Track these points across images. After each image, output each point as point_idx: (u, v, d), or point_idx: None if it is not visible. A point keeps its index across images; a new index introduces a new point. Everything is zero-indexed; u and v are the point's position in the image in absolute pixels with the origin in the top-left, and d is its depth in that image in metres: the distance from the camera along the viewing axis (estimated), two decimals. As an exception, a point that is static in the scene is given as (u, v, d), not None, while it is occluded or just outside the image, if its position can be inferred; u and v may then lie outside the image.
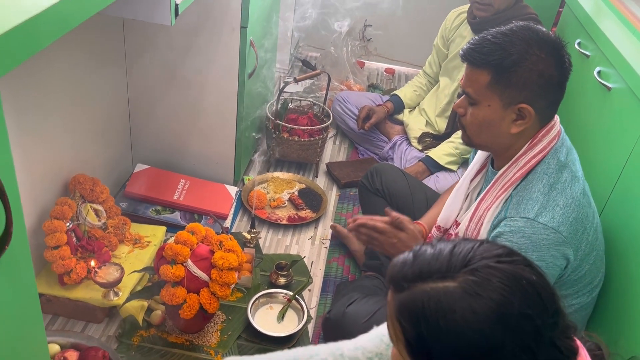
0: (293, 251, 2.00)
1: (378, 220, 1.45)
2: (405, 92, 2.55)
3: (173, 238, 1.51)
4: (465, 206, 1.42)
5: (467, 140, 1.32)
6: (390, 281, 0.75)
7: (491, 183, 1.30)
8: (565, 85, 1.25)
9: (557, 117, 1.29)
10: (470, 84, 1.24)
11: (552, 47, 1.19)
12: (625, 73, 1.54)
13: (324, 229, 2.12)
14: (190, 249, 1.48)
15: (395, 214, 1.43)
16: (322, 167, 2.45)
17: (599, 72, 1.73)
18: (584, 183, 1.26)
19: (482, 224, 1.30)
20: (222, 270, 1.47)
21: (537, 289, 0.69)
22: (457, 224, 1.42)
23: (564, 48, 1.21)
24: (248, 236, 1.94)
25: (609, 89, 1.65)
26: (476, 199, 1.37)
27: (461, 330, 0.67)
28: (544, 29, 1.23)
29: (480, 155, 1.42)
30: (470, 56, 1.22)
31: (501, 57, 1.18)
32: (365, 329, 1.42)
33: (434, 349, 0.69)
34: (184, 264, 1.47)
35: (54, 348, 1.42)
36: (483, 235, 1.30)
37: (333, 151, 2.60)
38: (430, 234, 1.53)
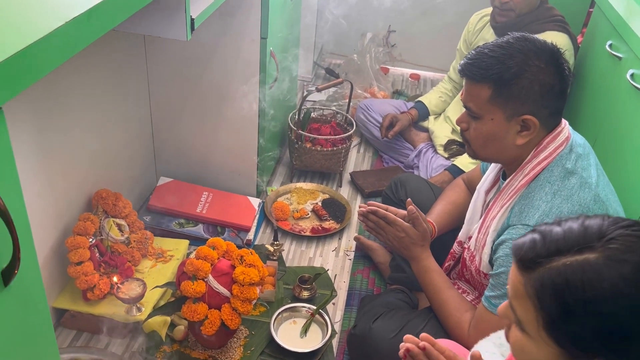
0: (317, 263, 1.97)
1: (391, 211, 1.44)
2: (430, 99, 2.50)
3: (194, 253, 1.50)
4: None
5: (473, 154, 1.33)
6: (519, 262, 0.75)
7: (498, 192, 1.29)
8: (567, 93, 1.24)
9: (565, 123, 1.28)
10: (471, 98, 1.24)
11: (550, 56, 1.19)
12: (660, 75, 1.48)
13: (348, 240, 2.09)
14: (211, 264, 1.47)
15: (414, 207, 1.43)
16: (346, 177, 2.42)
17: (632, 75, 1.66)
18: (602, 189, 1.23)
19: (488, 234, 1.30)
20: (243, 285, 1.45)
21: None
22: (470, 238, 1.41)
23: (562, 56, 1.21)
24: (271, 249, 1.92)
25: (642, 92, 1.58)
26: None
27: (610, 297, 0.67)
28: (539, 39, 1.23)
29: (494, 166, 1.40)
30: (469, 71, 1.23)
31: (501, 71, 1.18)
32: (393, 344, 1.40)
33: (582, 322, 0.69)
34: (205, 280, 1.45)
35: (77, 365, 1.42)
36: (488, 244, 1.29)
37: (357, 160, 2.57)
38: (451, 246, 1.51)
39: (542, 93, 1.19)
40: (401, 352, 0.90)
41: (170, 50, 1.89)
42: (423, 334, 0.91)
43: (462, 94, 1.28)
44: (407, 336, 0.91)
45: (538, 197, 1.22)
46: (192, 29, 1.24)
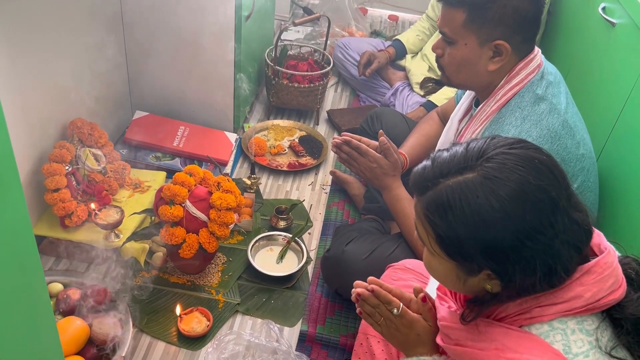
0: (293, 197, 2.01)
1: (364, 142, 1.48)
2: (407, 37, 2.50)
3: (172, 180, 1.52)
4: None
5: (447, 81, 1.36)
6: (413, 186, 0.81)
7: (471, 119, 1.32)
8: (540, 19, 1.27)
9: (538, 51, 1.30)
10: (446, 23, 1.27)
11: None
12: (630, 8, 1.50)
13: (324, 175, 2.12)
14: (189, 190, 1.49)
15: (385, 138, 1.46)
16: (323, 115, 2.43)
17: (603, 9, 1.68)
18: (570, 116, 1.26)
19: None
20: (220, 210, 1.48)
21: (549, 166, 0.75)
22: None
23: None
24: (248, 182, 1.95)
25: (613, 24, 1.61)
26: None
27: (486, 212, 0.72)
28: None
29: (468, 95, 1.43)
30: None
31: None
32: (365, 265, 1.45)
33: (463, 236, 0.74)
34: (183, 205, 1.48)
35: (57, 287, 1.45)
36: None
37: (334, 99, 2.58)
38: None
39: (514, 18, 1.21)
40: (353, 297, 0.96)
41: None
42: (370, 278, 0.98)
43: (438, 20, 1.30)
44: (357, 282, 0.97)
45: (508, 122, 1.25)
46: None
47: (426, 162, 0.81)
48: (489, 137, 0.80)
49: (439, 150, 0.82)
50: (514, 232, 0.72)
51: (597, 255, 0.78)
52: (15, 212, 0.74)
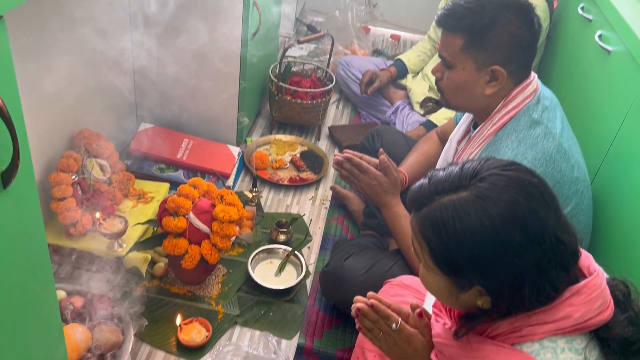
0: (294, 211, 2.04)
1: (364, 160, 1.51)
2: (409, 57, 2.55)
3: (176, 192, 1.55)
4: None
5: (446, 103, 1.41)
6: (410, 203, 0.85)
7: (469, 140, 1.35)
8: (536, 46, 1.31)
9: (534, 76, 1.34)
10: (445, 48, 1.31)
11: (520, 9, 1.26)
12: (625, 36, 1.55)
13: (325, 190, 2.16)
14: (192, 202, 1.52)
15: (385, 156, 1.49)
16: (325, 131, 2.48)
17: (600, 36, 1.73)
18: (565, 140, 1.30)
19: None
20: (222, 222, 1.51)
21: (539, 189, 0.79)
22: None
23: (532, 10, 1.27)
24: (250, 195, 1.98)
25: (609, 52, 1.65)
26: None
27: (477, 229, 0.76)
28: None
29: (467, 117, 1.47)
30: (445, 21, 1.29)
31: (473, 21, 1.25)
32: (363, 281, 1.48)
33: (455, 252, 0.78)
34: (186, 216, 1.51)
35: (61, 294, 1.48)
36: None
37: (336, 115, 2.62)
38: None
39: (511, 45, 1.25)
40: (353, 311, 1.00)
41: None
42: (370, 293, 1.01)
43: (438, 44, 1.35)
44: (357, 297, 1.01)
45: (505, 144, 1.29)
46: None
47: (423, 180, 0.85)
48: (483, 158, 0.84)
49: (436, 169, 0.86)
50: (503, 249, 0.76)
51: (587, 277, 0.81)
52: (32, 223, 0.78)
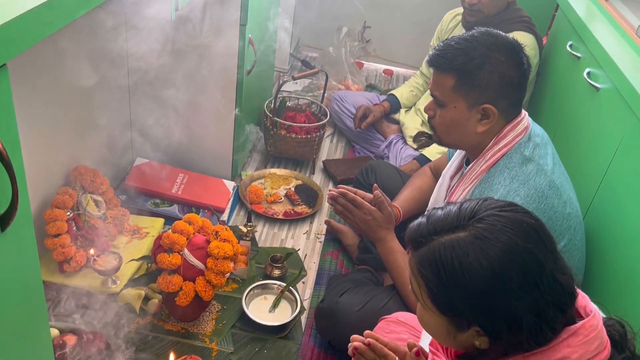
0: (288, 245, 2.04)
1: (359, 195, 1.53)
2: (402, 92, 2.59)
3: (171, 228, 1.55)
4: None
5: (438, 140, 1.42)
6: (409, 242, 0.85)
7: (461, 177, 1.37)
8: (526, 85, 1.34)
9: (525, 114, 1.37)
10: (437, 87, 1.33)
11: (510, 50, 1.29)
12: (613, 74, 1.59)
13: (319, 224, 2.16)
14: (187, 238, 1.52)
15: (379, 192, 1.51)
16: (319, 165, 2.50)
17: (588, 74, 1.77)
18: (557, 176, 1.32)
19: None
20: (217, 259, 1.51)
21: (537, 230, 0.80)
22: None
23: (522, 50, 1.30)
24: (244, 229, 1.98)
25: (597, 89, 1.69)
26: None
27: (475, 271, 0.76)
28: (502, 34, 1.32)
29: (459, 153, 1.49)
30: (436, 61, 1.32)
31: (464, 62, 1.28)
32: (358, 317, 1.48)
33: (453, 292, 0.78)
34: (181, 253, 1.51)
35: (54, 332, 1.46)
36: None
37: (330, 149, 2.65)
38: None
39: (501, 84, 1.28)
40: (350, 350, 1.00)
41: (151, 33, 1.93)
42: (367, 332, 1.01)
43: (430, 84, 1.37)
44: (354, 336, 1.01)
45: (497, 181, 1.31)
46: (177, 9, 1.30)
47: (421, 219, 0.86)
48: (481, 198, 0.85)
49: (434, 208, 0.87)
50: (501, 290, 0.76)
51: (583, 317, 0.82)
52: (28, 264, 0.78)
